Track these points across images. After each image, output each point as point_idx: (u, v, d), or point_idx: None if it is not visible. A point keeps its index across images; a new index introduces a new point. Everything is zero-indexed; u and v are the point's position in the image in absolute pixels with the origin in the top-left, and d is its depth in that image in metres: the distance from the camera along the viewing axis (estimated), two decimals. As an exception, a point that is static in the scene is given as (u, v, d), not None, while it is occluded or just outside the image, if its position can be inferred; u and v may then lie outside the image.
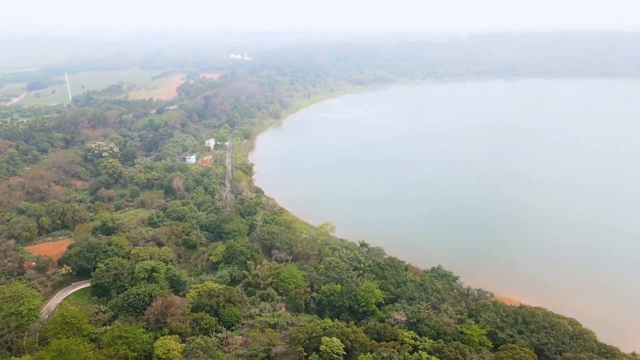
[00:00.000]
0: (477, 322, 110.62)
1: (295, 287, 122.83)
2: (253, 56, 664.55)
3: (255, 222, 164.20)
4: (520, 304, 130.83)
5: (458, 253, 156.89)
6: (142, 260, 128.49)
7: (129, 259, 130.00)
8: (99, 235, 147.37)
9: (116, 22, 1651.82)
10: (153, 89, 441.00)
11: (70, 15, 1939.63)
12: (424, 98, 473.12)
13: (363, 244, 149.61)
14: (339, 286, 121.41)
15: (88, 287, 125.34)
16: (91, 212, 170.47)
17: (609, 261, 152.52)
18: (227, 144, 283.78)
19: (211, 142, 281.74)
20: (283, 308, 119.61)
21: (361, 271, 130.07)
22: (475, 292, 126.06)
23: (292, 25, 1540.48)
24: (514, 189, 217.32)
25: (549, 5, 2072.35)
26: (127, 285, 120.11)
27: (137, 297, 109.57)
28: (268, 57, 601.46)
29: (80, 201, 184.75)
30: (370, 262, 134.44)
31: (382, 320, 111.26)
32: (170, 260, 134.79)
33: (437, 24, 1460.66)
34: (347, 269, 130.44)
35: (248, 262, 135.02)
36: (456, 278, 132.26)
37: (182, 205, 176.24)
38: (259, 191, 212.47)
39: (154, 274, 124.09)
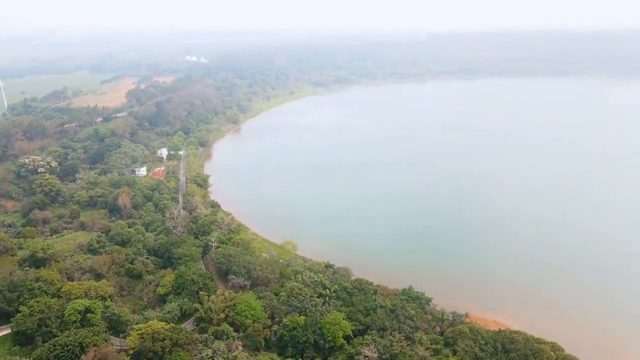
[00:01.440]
0: (455, 352, 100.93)
1: (254, 322, 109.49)
2: (210, 58, 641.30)
3: (210, 243, 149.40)
4: (496, 323, 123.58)
5: (429, 268, 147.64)
6: (76, 298, 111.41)
7: (59, 297, 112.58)
8: (26, 268, 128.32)
9: (66, 22, 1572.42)
10: (102, 94, 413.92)
11: (15, 13, 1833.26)
12: (386, 99, 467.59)
13: (328, 265, 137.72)
14: (302, 317, 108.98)
15: (8, 334, 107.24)
16: (20, 239, 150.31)
17: (587, 272, 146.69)
18: (181, 153, 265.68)
19: (164, 152, 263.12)
20: (240, 347, 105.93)
21: (327, 298, 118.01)
22: (450, 315, 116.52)
23: (252, 25, 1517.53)
24: (482, 194, 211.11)
25: (504, 6, 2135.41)
26: (55, 331, 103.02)
27: (64, 348, 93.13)
28: (225, 59, 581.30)
29: (10, 225, 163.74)
30: (336, 286, 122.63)
31: (351, 357, 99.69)
32: (110, 296, 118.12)
33: (396, 24, 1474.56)
34: (311, 296, 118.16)
35: (200, 292, 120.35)
36: (429, 300, 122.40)
37: (128, 227, 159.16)
38: (215, 206, 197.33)
39: (89, 315, 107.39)
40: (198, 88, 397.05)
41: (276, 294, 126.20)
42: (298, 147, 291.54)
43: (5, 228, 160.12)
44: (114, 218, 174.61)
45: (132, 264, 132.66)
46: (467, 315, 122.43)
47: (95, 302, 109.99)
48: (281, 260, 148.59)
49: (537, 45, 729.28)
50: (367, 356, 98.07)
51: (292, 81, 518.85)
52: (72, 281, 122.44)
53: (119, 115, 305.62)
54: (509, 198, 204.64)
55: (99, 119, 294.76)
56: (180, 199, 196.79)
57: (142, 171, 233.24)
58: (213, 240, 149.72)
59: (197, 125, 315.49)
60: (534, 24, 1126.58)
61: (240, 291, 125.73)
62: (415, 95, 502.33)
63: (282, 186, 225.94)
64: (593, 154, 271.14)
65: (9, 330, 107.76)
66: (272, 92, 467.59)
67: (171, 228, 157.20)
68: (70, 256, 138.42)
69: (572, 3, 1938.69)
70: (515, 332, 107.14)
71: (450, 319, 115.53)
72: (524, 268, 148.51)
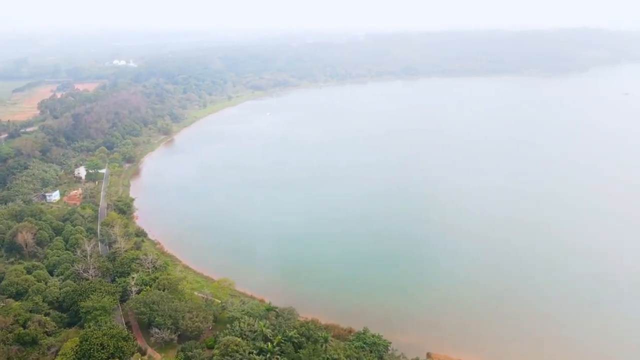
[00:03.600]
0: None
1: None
2: (140, 62, 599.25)
3: (129, 287, 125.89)
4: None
5: (383, 298, 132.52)
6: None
7: None
8: None
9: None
10: (12, 105, 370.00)
11: None
12: (329, 102, 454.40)
13: (270, 308, 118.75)
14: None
15: None
16: None
17: (551, 294, 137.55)
18: (103, 171, 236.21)
19: (82, 171, 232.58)
20: None
21: (268, 355, 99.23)
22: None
23: (186, 26, 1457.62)
24: (437, 204, 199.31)
25: (438, 7, 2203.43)
26: None
27: None
28: (157, 63, 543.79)
29: None
30: (280, 336, 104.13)
31: None
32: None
33: (335, 24, 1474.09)
34: (250, 353, 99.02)
35: None
36: (387, 345, 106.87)
37: (27, 273, 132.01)
38: (140, 234, 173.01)
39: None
40: (124, 96, 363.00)
41: (210, 347, 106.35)
42: (237, 159, 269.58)
43: None
44: (13, 258, 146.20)
45: (24, 328, 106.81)
46: (429, 355, 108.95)
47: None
48: (217, 301, 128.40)
49: (472, 45, 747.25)
50: None
51: (229, 86, 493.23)
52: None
53: (28, 130, 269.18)
54: (465, 207, 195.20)
55: (3, 135, 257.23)
56: (99, 230, 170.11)
57: (55, 196, 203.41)
58: (132, 283, 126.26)
59: (122, 139, 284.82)
60: (467, 25, 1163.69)
61: (163, 355, 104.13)
62: (358, 97, 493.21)
63: (219, 206, 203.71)
64: (536, 152, 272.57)
65: None
66: (209, 98, 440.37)
67: (81, 271, 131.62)
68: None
69: (503, 4, 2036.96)
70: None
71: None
72: (485, 292, 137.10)
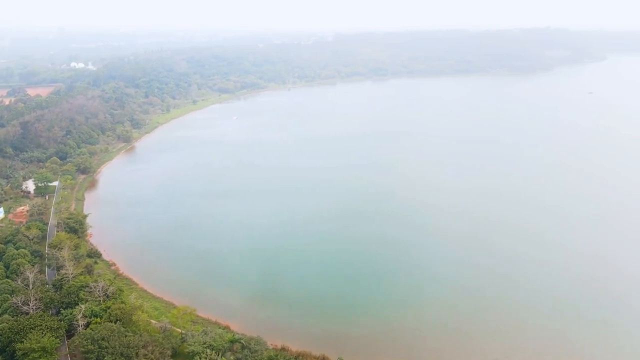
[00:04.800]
0: None
1: None
2: (99, 65, 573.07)
3: (76, 320, 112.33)
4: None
5: (360, 321, 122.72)
6: None
7: None
8: None
9: None
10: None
11: None
12: (297, 105, 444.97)
13: (235, 340, 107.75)
14: None
15: None
16: None
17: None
18: (55, 184, 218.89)
19: (30, 185, 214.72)
20: None
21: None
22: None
23: (150, 26, 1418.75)
24: (417, 213, 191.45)
25: (404, 7, 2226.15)
26: None
27: None
28: (117, 66, 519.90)
29: None
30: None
31: None
32: None
33: (301, 24, 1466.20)
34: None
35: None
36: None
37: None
38: (93, 254, 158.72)
39: None
40: (81, 101, 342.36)
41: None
42: (202, 168, 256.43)
43: None
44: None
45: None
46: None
47: None
48: (177, 330, 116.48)
49: (438, 45, 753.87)
50: None
51: (194, 89, 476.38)
52: None
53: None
54: (447, 218, 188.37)
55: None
56: (47, 253, 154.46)
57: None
58: (80, 315, 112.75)
59: (77, 148, 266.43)
60: (432, 25, 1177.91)
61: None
62: (328, 99, 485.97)
63: (183, 220, 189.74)
64: (512, 153, 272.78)
65: None
66: (172, 102, 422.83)
67: (20, 304, 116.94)
68: None
69: (467, 5, 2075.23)
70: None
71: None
72: (474, 310, 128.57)
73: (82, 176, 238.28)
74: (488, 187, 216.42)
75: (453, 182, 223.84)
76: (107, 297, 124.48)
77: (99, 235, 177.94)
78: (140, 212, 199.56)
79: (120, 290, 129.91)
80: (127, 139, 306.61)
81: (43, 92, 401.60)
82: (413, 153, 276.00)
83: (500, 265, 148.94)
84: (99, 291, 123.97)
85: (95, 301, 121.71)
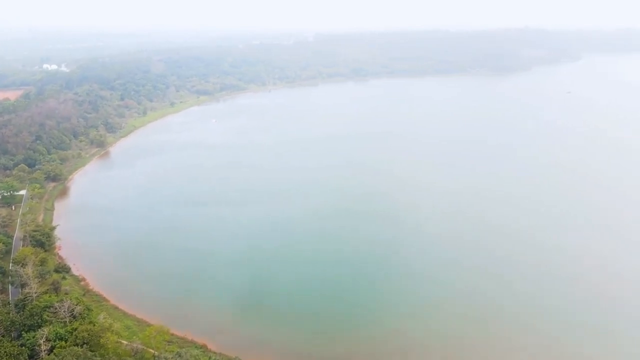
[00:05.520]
0: None
1: None
2: (73, 66, 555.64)
3: (38, 345, 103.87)
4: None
5: (349, 337, 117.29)
6: None
7: None
8: None
9: None
10: None
11: None
12: (278, 106, 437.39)
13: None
14: None
15: None
16: None
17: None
18: (22, 193, 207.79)
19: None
20: None
21: None
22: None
23: (127, 26, 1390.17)
24: (408, 219, 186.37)
25: (384, 7, 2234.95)
26: None
27: None
28: (92, 67, 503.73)
29: None
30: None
31: None
32: None
33: (282, 24, 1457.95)
34: None
35: None
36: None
37: None
38: (62, 269, 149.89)
39: None
40: (52, 105, 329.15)
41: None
42: (180, 174, 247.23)
43: None
44: None
45: None
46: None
47: None
48: (150, 351, 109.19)
49: (418, 45, 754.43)
50: None
51: (172, 91, 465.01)
52: None
53: None
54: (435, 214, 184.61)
55: None
56: (11, 269, 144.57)
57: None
58: (42, 340, 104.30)
59: (47, 154, 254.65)
60: (412, 25, 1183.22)
61: None
62: (309, 100, 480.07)
63: (158, 230, 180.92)
64: (501, 152, 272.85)
65: None
66: (149, 104, 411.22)
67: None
68: None
69: (447, 5, 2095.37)
70: None
71: None
72: (474, 322, 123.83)
73: (52, 184, 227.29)
74: (480, 187, 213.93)
75: (443, 182, 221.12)
76: (74, 317, 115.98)
77: (69, 247, 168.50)
78: (114, 221, 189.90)
79: (88, 309, 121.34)
80: (101, 144, 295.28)
81: (12, 95, 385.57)
82: (401, 153, 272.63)
83: (496, 267, 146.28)
84: (64, 311, 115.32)
85: (61, 322, 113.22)
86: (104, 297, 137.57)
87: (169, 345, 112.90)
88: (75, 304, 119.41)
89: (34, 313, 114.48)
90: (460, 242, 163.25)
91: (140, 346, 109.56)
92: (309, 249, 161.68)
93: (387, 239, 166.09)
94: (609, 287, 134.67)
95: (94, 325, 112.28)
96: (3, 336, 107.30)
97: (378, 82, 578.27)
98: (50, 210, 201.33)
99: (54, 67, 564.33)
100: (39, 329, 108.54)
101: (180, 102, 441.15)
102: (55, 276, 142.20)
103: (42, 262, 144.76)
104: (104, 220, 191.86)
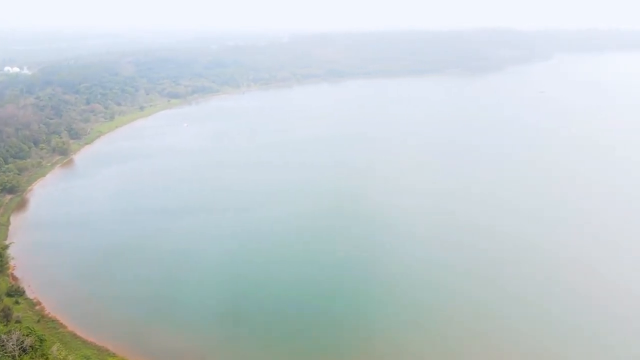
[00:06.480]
0: None
1: None
2: (36, 69, 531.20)
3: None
4: None
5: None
6: None
7: None
8: None
9: None
10: None
11: None
12: (252, 108, 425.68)
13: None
14: None
15: None
16: None
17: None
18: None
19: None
20: None
21: None
22: None
23: (93, 25, 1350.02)
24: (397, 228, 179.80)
25: (358, 7, 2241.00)
26: None
27: None
28: (55, 70, 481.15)
29: None
30: None
31: None
32: None
33: (255, 24, 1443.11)
34: None
35: None
36: None
37: None
38: (15, 292, 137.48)
39: None
40: (11, 110, 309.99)
41: None
42: (149, 181, 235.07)
43: None
44: None
45: None
46: None
47: None
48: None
49: (392, 46, 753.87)
50: None
51: (142, 94, 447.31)
52: None
53: None
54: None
55: None
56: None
57: None
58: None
59: (4, 164, 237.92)
60: (385, 25, 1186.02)
61: None
62: (284, 102, 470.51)
63: (125, 244, 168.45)
64: (486, 155, 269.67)
65: None
66: (117, 108, 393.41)
67: None
68: None
69: (421, 5, 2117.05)
70: None
71: None
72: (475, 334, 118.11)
73: (9, 197, 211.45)
74: (471, 189, 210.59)
75: (431, 184, 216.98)
76: (24, 351, 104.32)
77: (25, 267, 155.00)
78: (75, 237, 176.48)
79: (40, 340, 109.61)
80: (64, 152, 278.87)
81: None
82: (384, 154, 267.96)
83: (488, 270, 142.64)
84: (12, 344, 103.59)
85: (9, 357, 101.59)
86: (61, 323, 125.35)
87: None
88: (26, 334, 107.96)
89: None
90: (451, 244, 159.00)
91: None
92: (292, 262, 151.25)
93: (376, 243, 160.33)
94: (602, 292, 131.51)
95: (47, 359, 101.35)
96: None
97: (353, 83, 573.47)
98: (5, 225, 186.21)
99: (16, 69, 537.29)
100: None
101: (151, 105, 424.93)
102: (7, 301, 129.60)
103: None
104: (65, 235, 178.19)
